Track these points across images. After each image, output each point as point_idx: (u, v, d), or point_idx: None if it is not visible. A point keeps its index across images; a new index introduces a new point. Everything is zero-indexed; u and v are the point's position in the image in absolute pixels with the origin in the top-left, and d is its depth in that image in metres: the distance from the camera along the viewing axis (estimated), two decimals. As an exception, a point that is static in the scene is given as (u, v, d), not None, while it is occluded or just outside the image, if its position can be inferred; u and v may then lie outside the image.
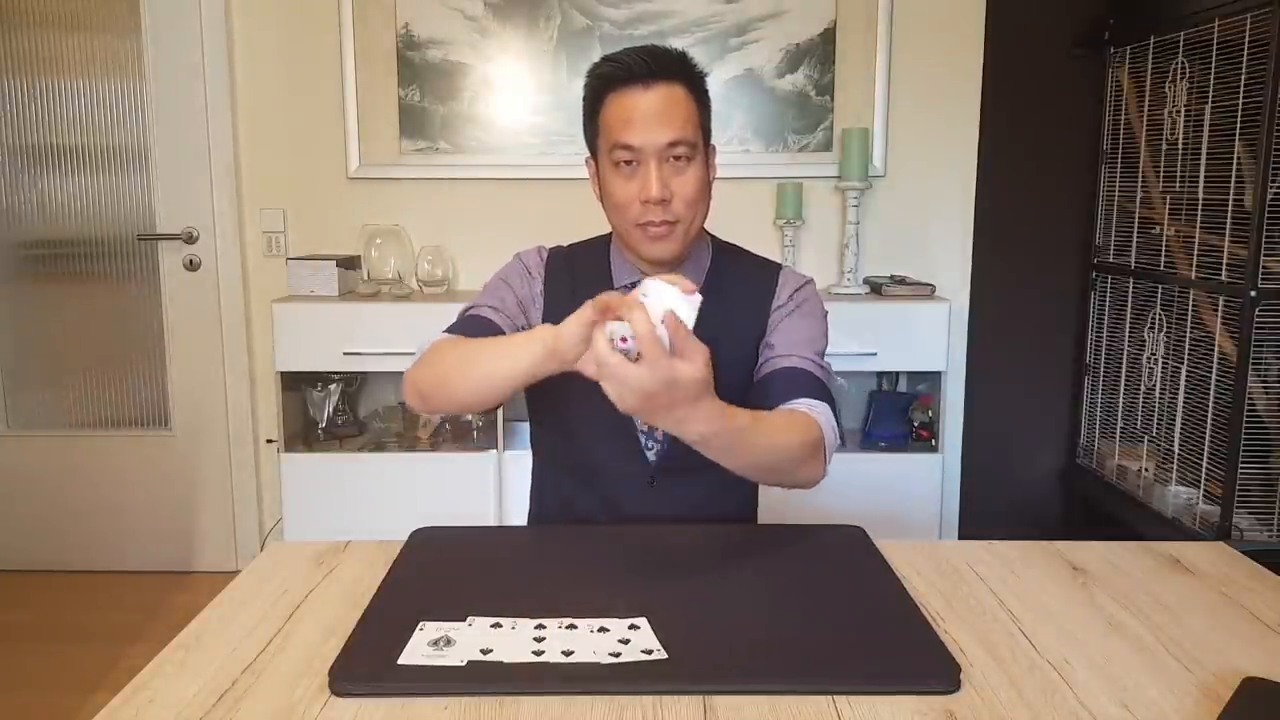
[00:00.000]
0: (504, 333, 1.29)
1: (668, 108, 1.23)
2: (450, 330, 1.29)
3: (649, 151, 1.23)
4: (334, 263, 2.69)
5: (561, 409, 1.35)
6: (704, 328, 1.34)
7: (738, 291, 1.35)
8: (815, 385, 1.26)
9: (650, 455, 1.33)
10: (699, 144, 1.26)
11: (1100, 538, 1.26)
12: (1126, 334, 2.61)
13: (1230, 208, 2.14)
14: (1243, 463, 2.12)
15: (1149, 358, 2.48)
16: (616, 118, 1.24)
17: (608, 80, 1.25)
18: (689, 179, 1.25)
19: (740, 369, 1.32)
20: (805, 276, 1.39)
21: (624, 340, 0.93)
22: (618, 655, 0.89)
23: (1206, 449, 2.23)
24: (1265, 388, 2.16)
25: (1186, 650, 0.95)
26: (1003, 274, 2.88)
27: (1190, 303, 2.29)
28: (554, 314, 1.33)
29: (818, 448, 1.18)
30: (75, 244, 2.89)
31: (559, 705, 0.83)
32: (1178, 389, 2.34)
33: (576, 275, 1.36)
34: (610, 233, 1.39)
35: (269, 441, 2.94)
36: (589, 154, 1.34)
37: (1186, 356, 2.31)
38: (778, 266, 1.40)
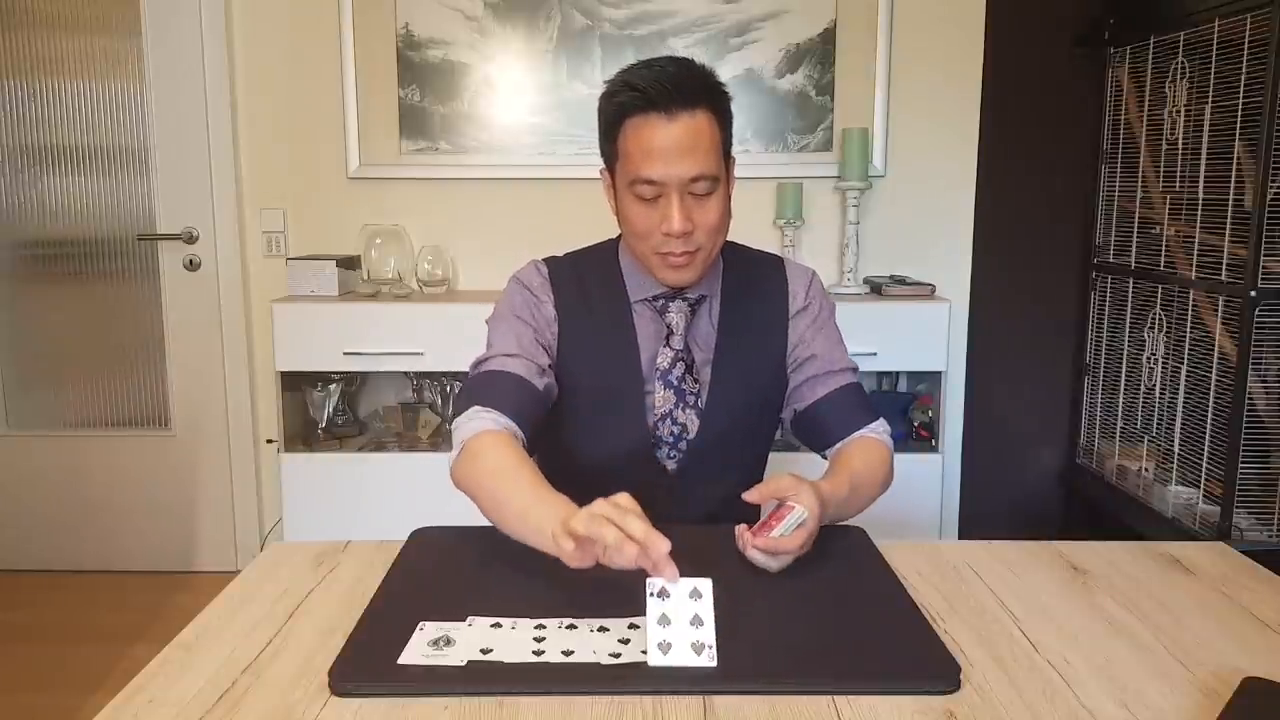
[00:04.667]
0: (530, 383, 1.24)
1: (691, 140, 1.20)
2: (475, 395, 1.22)
3: (671, 185, 1.21)
4: (334, 263, 2.69)
5: (569, 438, 1.36)
6: (729, 331, 1.35)
7: (753, 293, 1.38)
8: (866, 400, 1.37)
9: (670, 464, 1.35)
10: (721, 175, 1.25)
11: (1100, 538, 1.26)
12: (1126, 334, 2.60)
13: (1230, 208, 2.14)
14: (1243, 463, 2.12)
15: (1149, 358, 2.48)
16: (637, 148, 1.21)
17: (628, 108, 1.22)
18: (711, 209, 1.24)
19: (767, 363, 1.36)
20: (807, 269, 1.43)
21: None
22: (618, 655, 0.89)
23: (1206, 449, 2.22)
24: (1265, 388, 2.16)
25: (1186, 650, 0.95)
26: (1003, 274, 2.88)
27: (1190, 303, 2.29)
28: (571, 330, 1.33)
29: (891, 466, 1.33)
30: (75, 244, 2.89)
31: (559, 705, 0.83)
32: (1178, 389, 2.34)
33: (589, 288, 1.35)
34: (613, 240, 1.39)
35: (269, 441, 2.94)
36: (604, 166, 1.31)
37: (1186, 356, 2.31)
38: (780, 260, 1.43)
